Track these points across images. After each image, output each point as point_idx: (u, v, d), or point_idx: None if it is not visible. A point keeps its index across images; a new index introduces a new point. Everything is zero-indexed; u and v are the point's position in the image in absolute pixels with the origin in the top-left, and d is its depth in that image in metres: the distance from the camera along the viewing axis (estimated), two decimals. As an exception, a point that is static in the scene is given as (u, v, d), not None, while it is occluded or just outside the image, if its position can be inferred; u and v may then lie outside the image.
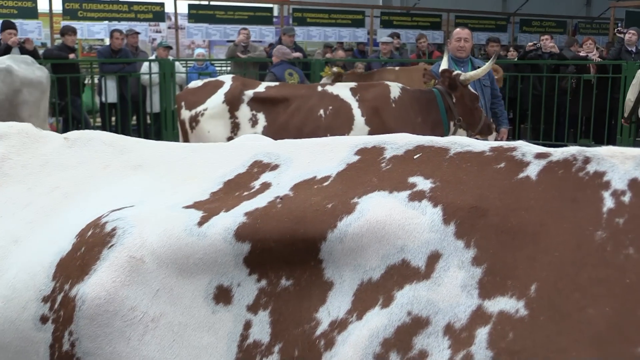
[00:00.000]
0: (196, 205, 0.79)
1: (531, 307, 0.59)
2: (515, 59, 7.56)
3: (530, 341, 0.57)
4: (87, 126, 6.29)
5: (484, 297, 0.61)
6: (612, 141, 6.20)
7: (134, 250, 0.74)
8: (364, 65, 7.47)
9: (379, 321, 0.63)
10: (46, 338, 0.76)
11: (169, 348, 0.72)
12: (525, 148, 0.72)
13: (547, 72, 6.73)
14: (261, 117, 3.59)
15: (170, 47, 7.38)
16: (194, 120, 3.65)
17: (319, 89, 3.66)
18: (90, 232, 0.78)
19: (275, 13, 10.67)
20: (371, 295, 0.66)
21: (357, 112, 3.52)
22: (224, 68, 8.22)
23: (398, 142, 0.77)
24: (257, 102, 3.60)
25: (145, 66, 6.58)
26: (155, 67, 6.45)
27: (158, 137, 6.30)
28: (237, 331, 0.71)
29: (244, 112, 3.60)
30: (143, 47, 8.33)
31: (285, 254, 0.71)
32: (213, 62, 8.24)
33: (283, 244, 0.70)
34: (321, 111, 3.53)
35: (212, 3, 9.89)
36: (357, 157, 0.78)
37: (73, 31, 6.63)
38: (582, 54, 6.96)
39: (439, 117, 3.57)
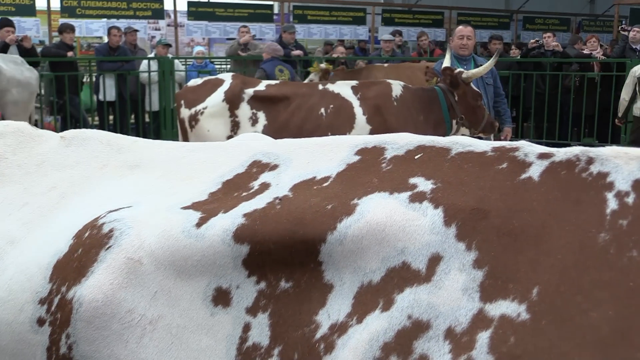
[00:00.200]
0: (194, 206, 0.78)
1: (533, 311, 0.58)
2: (518, 57, 7.52)
3: (532, 345, 0.57)
4: (86, 125, 6.26)
5: (485, 301, 0.61)
6: (616, 140, 6.18)
7: (132, 252, 0.73)
8: (365, 63, 7.45)
9: (379, 325, 0.63)
10: (43, 341, 0.76)
11: (167, 351, 0.71)
12: (528, 148, 0.71)
13: (550, 70, 6.71)
14: (261, 116, 3.58)
15: (169, 45, 7.35)
16: (194, 118, 3.64)
17: (320, 87, 3.64)
18: (87, 234, 0.78)
19: (276, 10, 10.64)
20: (371, 298, 0.65)
21: (358, 110, 3.51)
22: (223, 66, 8.20)
23: (399, 142, 0.77)
24: (257, 101, 3.59)
25: (144, 64, 6.56)
26: (154, 65, 6.44)
27: (157, 135, 6.29)
28: (236, 334, 0.70)
29: (244, 111, 3.58)
30: (142, 44, 8.31)
31: (284, 256, 0.70)
32: (213, 60, 8.23)
33: (282, 246, 0.70)
34: (322, 110, 3.52)
35: (211, 0, 9.86)
36: (357, 158, 0.77)
37: (71, 29, 6.59)
38: (585, 51, 6.92)
39: (441, 116, 3.55)
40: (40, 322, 0.76)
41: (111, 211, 0.80)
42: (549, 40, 6.97)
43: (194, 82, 3.89)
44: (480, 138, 3.52)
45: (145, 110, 6.71)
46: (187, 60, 7.43)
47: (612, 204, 0.62)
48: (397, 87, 3.59)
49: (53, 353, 0.75)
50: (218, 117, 3.60)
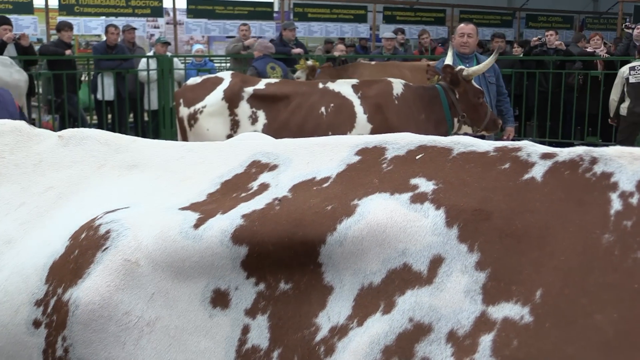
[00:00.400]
0: (192, 207, 0.77)
1: (536, 314, 0.58)
2: (521, 55, 7.49)
3: (535, 349, 0.56)
4: (84, 124, 6.24)
5: (488, 303, 0.60)
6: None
7: (129, 253, 0.73)
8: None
9: (380, 328, 0.62)
10: (39, 343, 0.75)
11: (165, 353, 0.71)
12: (531, 148, 0.70)
13: (553, 68, 6.67)
14: (261, 115, 3.57)
15: (168, 43, 7.32)
16: (193, 117, 3.63)
17: (320, 86, 3.63)
18: (84, 235, 0.77)
19: (276, 8, 10.62)
20: (372, 300, 0.64)
21: (359, 109, 3.50)
22: (223, 64, 8.18)
23: (400, 142, 0.76)
24: (257, 99, 3.58)
25: (143, 62, 6.54)
26: (153, 64, 6.42)
27: (156, 134, 6.28)
28: (235, 336, 0.70)
29: (244, 110, 3.57)
30: (141, 43, 8.29)
31: (283, 257, 0.69)
32: (212, 58, 8.21)
33: (281, 247, 0.69)
34: (322, 109, 3.50)
35: (211, -2, 9.83)
36: (357, 158, 0.76)
37: (69, 27, 6.56)
38: (589, 49, 6.88)
39: (443, 114, 3.54)
40: (36, 324, 0.76)
41: (108, 212, 0.79)
42: (552, 38, 6.94)
43: (193, 80, 3.87)
44: (482, 137, 3.52)
45: (144, 109, 6.70)
46: (187, 58, 7.41)
47: (616, 204, 0.62)
48: (398, 85, 3.57)
49: (49, 356, 0.74)
50: (217, 116, 3.59)
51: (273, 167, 0.80)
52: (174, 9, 9.54)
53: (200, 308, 0.71)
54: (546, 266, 0.60)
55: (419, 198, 0.68)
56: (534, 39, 7.54)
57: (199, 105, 3.63)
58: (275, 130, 3.38)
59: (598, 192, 0.63)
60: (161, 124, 6.41)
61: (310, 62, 5.22)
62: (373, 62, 6.37)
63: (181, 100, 3.71)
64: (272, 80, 3.87)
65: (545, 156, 0.68)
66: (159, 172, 0.88)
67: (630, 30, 6.91)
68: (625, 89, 5.55)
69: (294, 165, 0.79)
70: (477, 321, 0.59)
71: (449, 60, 3.76)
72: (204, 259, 0.71)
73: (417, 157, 0.73)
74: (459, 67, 3.60)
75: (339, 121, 3.47)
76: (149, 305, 0.71)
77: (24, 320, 0.76)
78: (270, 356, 0.67)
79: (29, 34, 6.69)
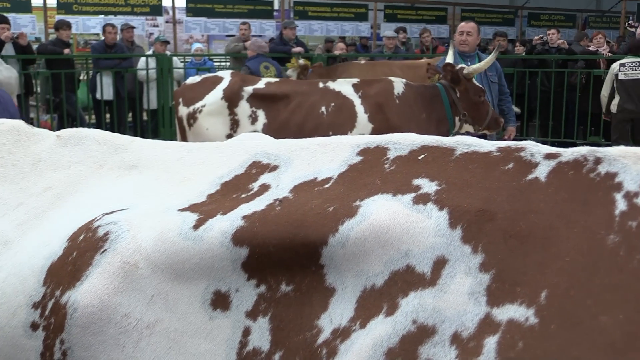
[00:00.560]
0: (192, 208, 0.76)
1: (541, 315, 0.57)
2: (523, 54, 7.47)
3: (540, 351, 0.55)
4: (83, 123, 6.23)
5: (492, 305, 0.59)
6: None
7: (128, 255, 0.72)
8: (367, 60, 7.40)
9: (383, 330, 0.61)
10: (37, 346, 0.74)
11: (165, 355, 0.70)
12: (534, 148, 0.69)
13: (555, 67, 6.64)
14: (261, 114, 3.56)
15: (167, 42, 7.30)
16: (192, 117, 3.61)
17: (320, 85, 3.62)
18: (82, 236, 0.76)
19: (276, 7, 10.60)
20: (375, 302, 0.64)
21: (360, 108, 3.49)
22: (222, 63, 8.17)
23: (402, 142, 0.75)
24: (257, 99, 3.56)
25: (142, 61, 6.52)
26: (152, 63, 6.40)
27: (155, 134, 6.27)
28: (236, 338, 0.69)
29: (244, 109, 3.56)
30: (140, 41, 8.27)
31: (285, 259, 0.69)
32: (211, 57, 8.19)
33: (282, 249, 0.68)
34: (323, 108, 3.49)
35: (210, -4, 9.81)
36: (359, 158, 0.76)
37: (68, 25, 6.54)
38: (592, 48, 6.84)
39: (444, 113, 3.53)
40: (34, 326, 0.75)
41: (107, 213, 0.78)
42: (554, 37, 6.91)
43: (193, 79, 3.86)
44: (484, 136, 3.50)
45: (143, 109, 6.68)
46: (186, 57, 7.39)
47: (620, 204, 0.61)
48: (399, 84, 3.56)
49: (47, 359, 0.73)
50: (217, 116, 3.58)
51: (274, 168, 0.79)
52: (173, 7, 9.51)
53: (200, 310, 0.70)
54: (551, 267, 0.59)
55: (422, 199, 0.67)
56: (536, 37, 7.51)
57: (198, 105, 3.62)
58: (275, 129, 3.36)
59: (602, 192, 0.63)
60: (160, 124, 6.40)
61: (301, 61, 5.21)
62: (362, 62, 6.34)
63: (180, 100, 3.70)
64: (272, 80, 3.86)
65: (548, 156, 0.68)
66: (158, 172, 0.87)
67: (633, 29, 6.88)
68: (614, 85, 5.54)
69: (295, 166, 0.78)
70: (481, 323, 0.58)
71: (449, 59, 3.74)
72: (204, 261, 0.70)
73: (420, 158, 0.72)
74: (460, 66, 3.59)
75: (340, 121, 3.46)
76: (148, 307, 0.70)
77: (22, 322, 0.76)
78: (272, 358, 0.66)
79: (27, 32, 6.67)
